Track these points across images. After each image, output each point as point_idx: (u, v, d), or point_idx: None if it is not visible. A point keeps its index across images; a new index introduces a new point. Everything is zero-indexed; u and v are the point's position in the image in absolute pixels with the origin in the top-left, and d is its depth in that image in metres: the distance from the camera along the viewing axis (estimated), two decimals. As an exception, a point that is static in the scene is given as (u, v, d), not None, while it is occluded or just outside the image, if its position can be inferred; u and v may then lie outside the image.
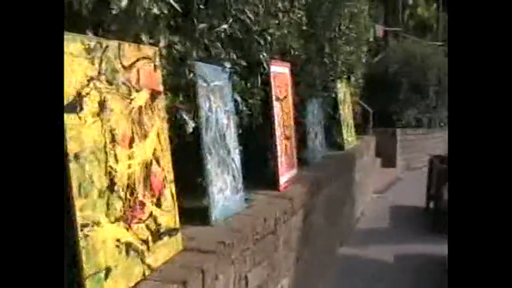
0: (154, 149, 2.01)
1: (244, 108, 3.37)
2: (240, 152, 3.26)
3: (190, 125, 2.63)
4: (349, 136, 6.63)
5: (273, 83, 3.66)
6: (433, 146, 12.51)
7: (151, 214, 1.92)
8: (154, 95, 2.06)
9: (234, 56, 3.16)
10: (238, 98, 3.27)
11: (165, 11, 2.19)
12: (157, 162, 2.02)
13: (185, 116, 2.58)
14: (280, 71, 3.90)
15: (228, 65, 3.06)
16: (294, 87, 4.39)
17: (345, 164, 5.58)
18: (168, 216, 2.07)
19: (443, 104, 12.49)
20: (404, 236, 6.08)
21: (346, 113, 6.66)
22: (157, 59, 2.12)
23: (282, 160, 3.78)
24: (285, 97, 4.04)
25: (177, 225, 2.17)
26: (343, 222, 5.61)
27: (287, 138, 4.04)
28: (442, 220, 5.71)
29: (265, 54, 3.49)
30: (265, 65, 3.56)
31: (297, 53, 4.27)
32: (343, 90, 6.60)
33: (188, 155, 2.80)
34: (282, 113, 3.90)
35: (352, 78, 7.27)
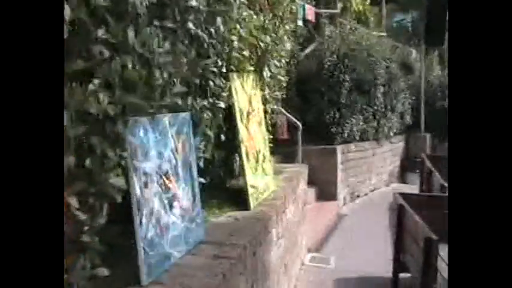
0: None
1: None
2: None
3: None
4: (259, 178, 3.77)
5: None
6: (381, 163, 10.07)
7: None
8: None
9: None
10: None
11: None
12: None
13: None
14: None
15: None
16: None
17: (245, 247, 2.68)
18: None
19: (393, 109, 10.05)
20: None
21: (253, 134, 3.80)
22: None
23: None
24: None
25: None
26: None
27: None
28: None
29: None
30: None
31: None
32: (246, 94, 3.74)
33: None
34: None
35: (267, 73, 4.41)
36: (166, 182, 2.32)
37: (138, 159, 2.06)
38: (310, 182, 6.87)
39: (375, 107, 9.00)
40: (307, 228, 5.62)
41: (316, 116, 7.90)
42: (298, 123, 6.89)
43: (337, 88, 8.05)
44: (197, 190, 2.68)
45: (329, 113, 7.97)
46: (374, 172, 9.66)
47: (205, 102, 2.97)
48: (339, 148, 8.06)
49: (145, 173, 2.12)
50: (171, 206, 2.34)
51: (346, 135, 8.27)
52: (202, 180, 3.00)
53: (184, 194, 2.51)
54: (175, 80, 2.45)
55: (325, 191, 7.75)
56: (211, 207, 3.30)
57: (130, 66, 1.88)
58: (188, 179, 2.58)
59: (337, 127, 8.06)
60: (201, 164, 2.95)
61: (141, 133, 2.11)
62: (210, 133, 3.03)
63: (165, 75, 2.21)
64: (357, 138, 8.69)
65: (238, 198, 3.50)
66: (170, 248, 2.29)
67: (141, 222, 2.05)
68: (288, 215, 4.10)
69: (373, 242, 5.62)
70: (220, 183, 3.62)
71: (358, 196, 8.97)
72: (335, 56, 8.19)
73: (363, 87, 8.52)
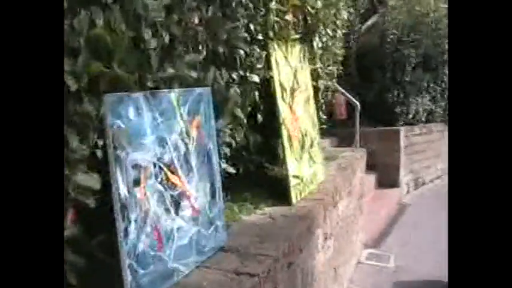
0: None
1: None
2: None
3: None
4: (305, 166, 3.20)
5: None
6: (450, 147, 9.15)
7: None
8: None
9: None
10: None
11: None
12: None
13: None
14: None
15: None
16: None
17: (276, 260, 2.13)
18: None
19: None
20: None
21: (298, 115, 3.23)
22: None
23: None
24: None
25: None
26: None
27: None
28: None
29: None
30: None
31: None
32: (291, 67, 3.16)
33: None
34: None
35: (318, 44, 3.80)
36: (171, 176, 1.79)
37: (125, 148, 1.54)
38: (370, 167, 6.26)
39: (443, 86, 8.12)
40: (364, 220, 5.00)
41: (378, 94, 7.19)
42: (356, 102, 6.21)
43: (402, 64, 7.27)
44: (218, 184, 2.15)
45: (392, 92, 7.23)
46: (441, 157, 8.79)
47: (233, 75, 2.41)
48: (403, 130, 7.32)
49: (136, 166, 1.60)
50: (177, 207, 1.82)
51: (410, 116, 7.50)
52: (231, 170, 2.49)
53: (198, 190, 1.98)
54: (188, 45, 1.91)
55: (387, 178, 7.07)
56: (243, 202, 2.77)
57: (101, 22, 1.35)
58: (205, 170, 2.05)
59: (401, 107, 7.31)
60: (227, 150, 2.41)
61: (131, 113, 1.58)
62: (240, 113, 2.47)
63: (165, 38, 1.67)
64: (423, 119, 7.88)
65: (279, 191, 2.95)
66: (174, 262, 1.77)
67: (127, 232, 1.53)
68: (340, 210, 3.51)
69: (439, 239, 4.93)
70: (258, 173, 3.08)
71: (423, 183, 8.19)
72: (399, 29, 7.40)
73: (429, 63, 7.68)
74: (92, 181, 1.38)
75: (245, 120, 2.61)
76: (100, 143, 1.47)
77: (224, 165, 2.48)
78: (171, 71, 1.74)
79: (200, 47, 2.06)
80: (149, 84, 1.69)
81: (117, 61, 1.42)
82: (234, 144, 2.58)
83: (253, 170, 2.95)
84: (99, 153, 1.47)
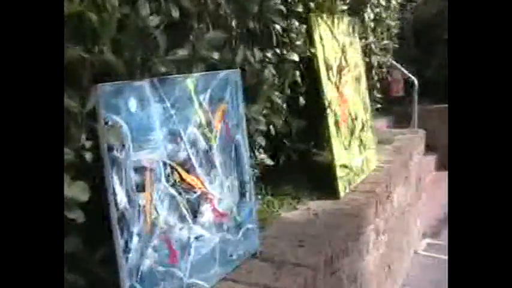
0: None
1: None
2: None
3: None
4: (355, 154, 2.86)
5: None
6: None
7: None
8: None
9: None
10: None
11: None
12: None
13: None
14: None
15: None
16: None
17: (316, 269, 1.83)
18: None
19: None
20: None
21: (347, 96, 2.88)
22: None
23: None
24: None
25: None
26: None
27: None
28: None
29: None
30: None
31: None
32: (338, 43, 2.81)
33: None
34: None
35: (369, 16, 3.41)
36: (186, 176, 1.51)
37: (123, 148, 1.27)
38: (430, 149, 5.84)
39: (512, 57, 7.48)
40: (423, 206, 4.61)
41: (438, 70, 6.65)
42: (414, 78, 5.75)
43: (464, 36, 6.69)
44: (249, 181, 1.86)
45: (454, 67, 6.68)
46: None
47: (268, 54, 2.10)
48: (466, 108, 6.77)
49: (139, 168, 1.33)
50: (195, 213, 1.55)
51: (475, 92, 6.94)
52: (269, 161, 2.20)
53: (223, 190, 1.69)
54: (208, 22, 1.61)
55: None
56: (284, 196, 2.48)
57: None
58: (232, 166, 1.76)
59: (464, 83, 6.75)
60: (262, 139, 2.11)
61: (133, 106, 1.31)
62: (277, 97, 2.16)
63: (174, 13, 1.37)
64: (489, 95, 7.29)
65: (324, 182, 2.64)
66: (192, 277, 1.51)
67: (127, 248, 1.27)
68: (395, 200, 3.15)
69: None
70: (301, 162, 2.77)
71: (488, 163, 7.61)
72: (462, -2, 6.80)
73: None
74: (78, 191, 1.13)
75: (284, 105, 2.30)
76: (88, 144, 1.20)
77: (261, 156, 2.20)
78: (184, 52, 1.45)
79: (224, 23, 1.75)
80: (160, 69, 1.41)
81: (107, 44, 1.15)
82: (272, 131, 2.28)
83: (296, 159, 2.64)
84: (89, 156, 1.21)
